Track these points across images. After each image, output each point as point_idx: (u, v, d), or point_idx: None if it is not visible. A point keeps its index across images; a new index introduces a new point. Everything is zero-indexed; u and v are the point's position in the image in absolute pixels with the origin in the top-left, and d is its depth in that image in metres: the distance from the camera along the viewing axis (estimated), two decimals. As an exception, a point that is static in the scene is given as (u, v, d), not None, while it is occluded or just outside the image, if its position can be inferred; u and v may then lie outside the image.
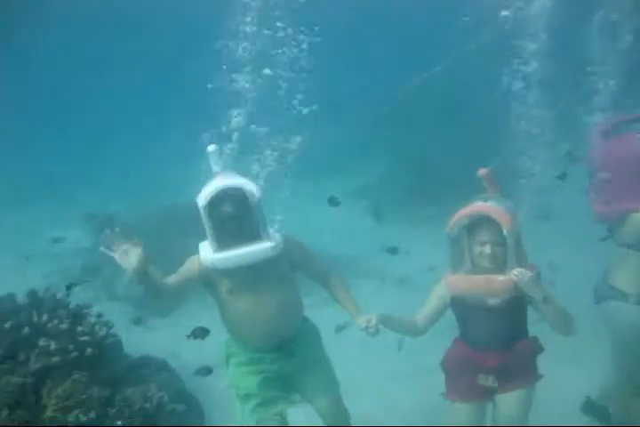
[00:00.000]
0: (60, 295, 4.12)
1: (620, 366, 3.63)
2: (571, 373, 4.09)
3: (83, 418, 3.20)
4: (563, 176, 4.05)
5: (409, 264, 6.00)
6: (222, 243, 2.82)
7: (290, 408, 3.08)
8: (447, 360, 3.14)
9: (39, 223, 8.55)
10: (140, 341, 5.02)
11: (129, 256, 2.60)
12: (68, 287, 3.52)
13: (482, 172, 2.87)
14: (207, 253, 2.85)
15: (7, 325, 3.68)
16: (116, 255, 2.61)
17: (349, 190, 9.48)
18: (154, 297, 2.85)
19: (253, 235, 2.83)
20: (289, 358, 3.02)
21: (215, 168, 2.95)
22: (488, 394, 3.01)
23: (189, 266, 2.93)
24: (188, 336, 3.24)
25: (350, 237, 7.65)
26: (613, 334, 3.65)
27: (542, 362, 3.05)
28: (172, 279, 2.84)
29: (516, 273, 2.70)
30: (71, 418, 3.19)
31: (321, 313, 3.33)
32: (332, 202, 3.17)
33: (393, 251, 3.55)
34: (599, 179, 3.60)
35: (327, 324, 3.26)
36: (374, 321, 2.75)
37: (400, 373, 4.68)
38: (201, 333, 3.26)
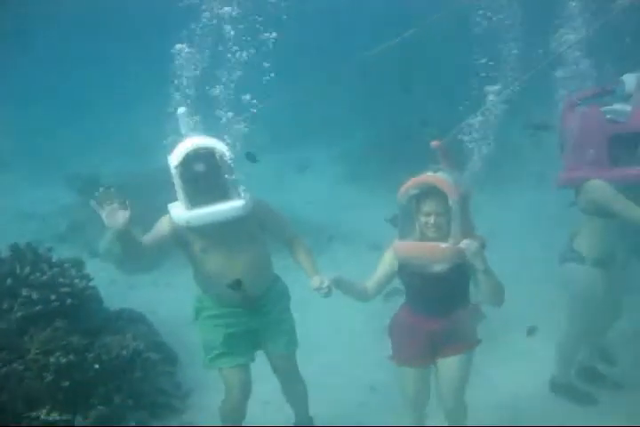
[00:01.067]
0: (41, 250, 4.36)
1: (574, 324, 3.92)
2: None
3: (62, 360, 3.47)
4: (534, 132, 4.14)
5: (385, 231, 6.27)
6: (194, 202, 2.94)
7: (251, 362, 3.26)
8: (393, 325, 3.25)
9: (21, 182, 8.66)
10: (120, 298, 5.30)
11: (115, 216, 2.71)
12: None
13: (435, 144, 2.95)
14: (179, 211, 2.96)
15: (-10, 275, 3.92)
16: (104, 214, 2.71)
17: (333, 156, 9.65)
18: (131, 256, 3.00)
19: (224, 194, 2.96)
20: (256, 314, 3.20)
21: (184, 130, 3.06)
22: (430, 358, 3.18)
23: (161, 227, 3.04)
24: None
25: (330, 203, 7.87)
26: (570, 294, 3.91)
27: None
28: (145, 240, 2.96)
29: (465, 242, 2.81)
30: (52, 359, 3.46)
31: (296, 275, 3.45)
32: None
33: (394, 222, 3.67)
34: (564, 147, 3.80)
35: (300, 286, 3.37)
36: (326, 283, 2.86)
37: (359, 332, 4.96)
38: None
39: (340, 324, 5.11)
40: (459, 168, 3.04)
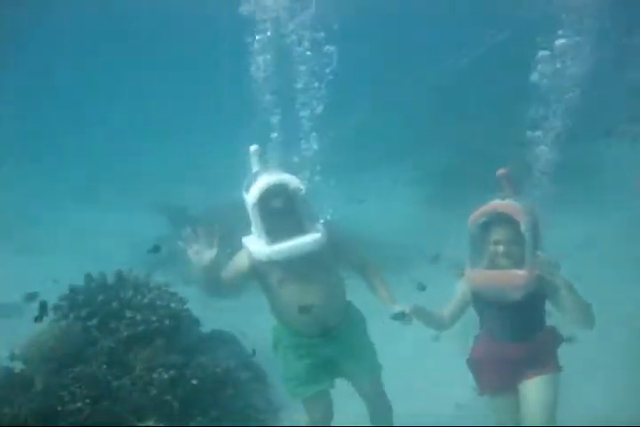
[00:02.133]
0: (141, 276, 4.82)
1: None
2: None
3: (164, 376, 3.82)
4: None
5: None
6: (272, 236, 2.98)
7: (331, 389, 3.31)
8: (473, 358, 3.26)
9: (111, 213, 9.45)
10: (212, 320, 5.67)
11: (202, 254, 2.86)
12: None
13: (500, 171, 2.98)
14: (259, 246, 3.02)
15: (100, 298, 4.39)
16: (190, 252, 2.86)
17: (407, 179, 9.75)
18: (211, 289, 3.09)
19: (300, 228, 3.01)
20: (334, 343, 3.21)
21: (255, 168, 3.12)
22: (515, 383, 3.10)
23: (239, 261, 3.12)
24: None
25: (409, 226, 7.95)
26: None
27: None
28: (224, 274, 3.04)
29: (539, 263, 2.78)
30: (155, 375, 3.81)
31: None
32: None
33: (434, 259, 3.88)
34: None
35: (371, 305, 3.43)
36: (408, 311, 2.88)
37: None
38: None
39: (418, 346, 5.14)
40: (523, 194, 3.02)
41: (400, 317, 2.89)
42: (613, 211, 7.29)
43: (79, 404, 3.45)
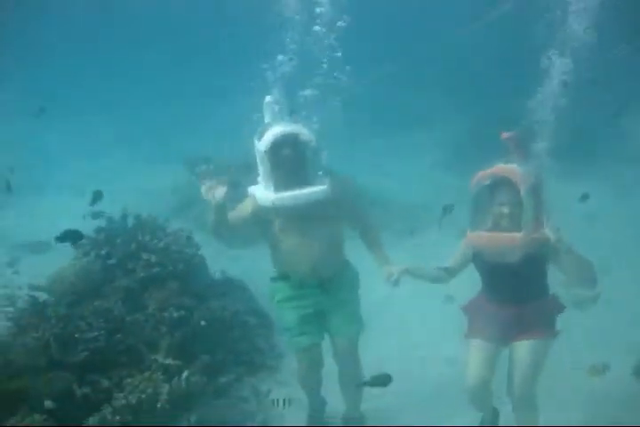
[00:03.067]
0: (159, 221, 5.08)
1: None
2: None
3: (175, 315, 4.12)
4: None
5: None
6: (279, 185, 3.15)
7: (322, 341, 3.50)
8: (469, 306, 3.43)
9: (140, 162, 9.81)
10: (224, 268, 5.94)
11: (213, 191, 3.04)
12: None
13: (505, 135, 3.02)
14: (265, 193, 3.17)
15: (118, 240, 4.67)
16: (203, 188, 3.05)
17: (432, 142, 9.77)
18: (220, 230, 3.25)
19: (306, 178, 3.16)
20: (326, 296, 3.40)
21: (267, 119, 3.23)
22: (501, 340, 3.24)
23: (244, 207, 3.31)
24: None
25: (424, 187, 8.04)
26: None
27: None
28: (229, 217, 3.22)
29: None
30: (166, 314, 4.11)
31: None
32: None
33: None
34: None
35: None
36: (395, 275, 3.10)
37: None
38: None
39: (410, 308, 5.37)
40: (532, 159, 3.03)
41: (389, 279, 3.11)
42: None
43: (95, 333, 3.77)
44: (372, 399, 3.91)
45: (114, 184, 8.39)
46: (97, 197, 4.76)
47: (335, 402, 3.84)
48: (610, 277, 4.62)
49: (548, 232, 2.92)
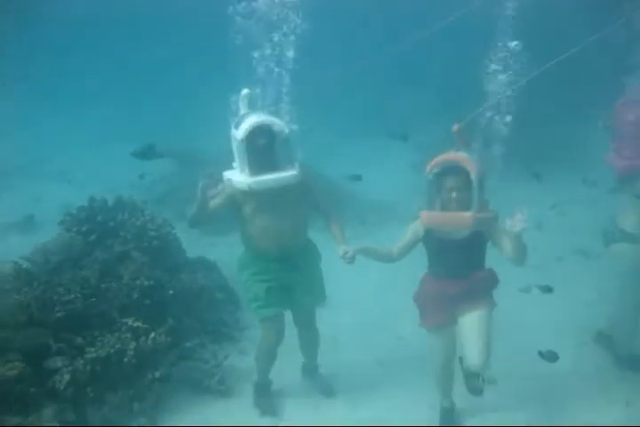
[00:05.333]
0: (138, 203, 5.59)
1: (625, 297, 4.39)
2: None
3: (145, 283, 4.63)
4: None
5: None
6: (254, 170, 3.58)
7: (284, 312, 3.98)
8: (418, 294, 3.84)
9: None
10: (200, 252, 6.45)
11: (208, 189, 3.50)
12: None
13: (454, 127, 3.52)
14: (241, 177, 3.60)
15: (99, 218, 5.19)
16: (202, 184, 3.45)
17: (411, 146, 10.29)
18: (196, 219, 3.68)
19: (279, 164, 3.62)
20: (292, 270, 3.87)
21: (242, 110, 3.64)
22: (455, 318, 3.71)
23: (220, 195, 3.66)
24: None
25: (397, 188, 8.57)
26: (623, 271, 4.40)
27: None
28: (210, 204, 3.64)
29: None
30: (138, 282, 4.63)
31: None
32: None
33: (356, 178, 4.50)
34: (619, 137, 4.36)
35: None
36: (351, 253, 3.49)
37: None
38: None
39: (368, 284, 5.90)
40: (472, 149, 3.55)
41: (344, 256, 3.52)
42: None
43: (72, 296, 4.28)
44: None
45: (104, 173, 9.00)
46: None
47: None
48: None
49: (514, 221, 3.23)
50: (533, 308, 5.24)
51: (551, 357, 3.90)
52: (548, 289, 4.30)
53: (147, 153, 4.52)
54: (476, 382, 3.66)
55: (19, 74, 12.81)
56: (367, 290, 5.88)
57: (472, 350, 3.58)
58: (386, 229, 7.12)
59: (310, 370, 4.50)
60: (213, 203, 3.68)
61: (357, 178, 4.57)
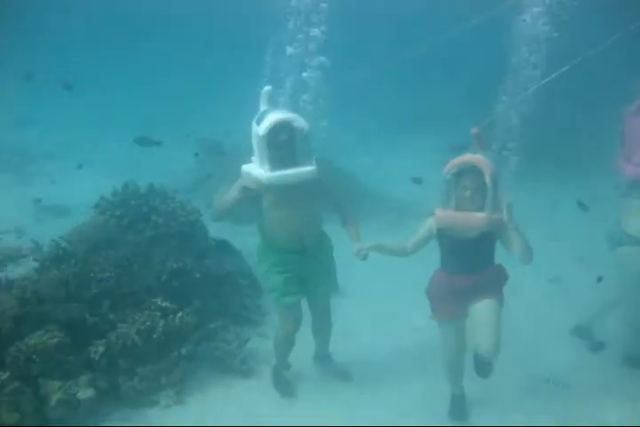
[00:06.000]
0: (169, 191, 5.89)
1: (632, 299, 4.56)
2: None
3: (174, 266, 4.92)
4: None
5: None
6: (274, 164, 3.73)
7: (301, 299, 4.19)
8: (430, 288, 4.02)
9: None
10: (227, 239, 6.73)
11: (244, 190, 3.73)
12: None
13: (473, 131, 3.71)
14: (261, 172, 3.74)
15: (132, 202, 5.49)
16: (241, 185, 3.75)
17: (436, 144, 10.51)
18: (222, 213, 3.99)
19: (297, 160, 3.77)
20: (307, 261, 4.05)
21: (263, 106, 3.79)
22: (465, 310, 3.90)
23: (236, 186, 3.85)
24: None
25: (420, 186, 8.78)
26: (626, 275, 4.57)
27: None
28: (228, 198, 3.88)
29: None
30: (167, 265, 4.91)
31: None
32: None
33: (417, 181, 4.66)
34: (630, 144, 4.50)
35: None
36: (364, 250, 3.73)
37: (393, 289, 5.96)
38: None
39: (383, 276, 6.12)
40: (490, 152, 3.79)
41: (358, 253, 3.76)
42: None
43: (106, 274, 4.58)
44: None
45: (137, 163, 9.35)
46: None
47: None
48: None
49: (502, 211, 3.52)
50: (537, 307, 5.51)
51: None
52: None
53: (144, 141, 5.87)
54: (486, 369, 3.87)
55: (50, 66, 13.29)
56: (382, 281, 6.11)
57: (483, 338, 3.77)
58: (405, 226, 7.35)
59: (323, 358, 4.71)
60: (233, 197, 3.85)
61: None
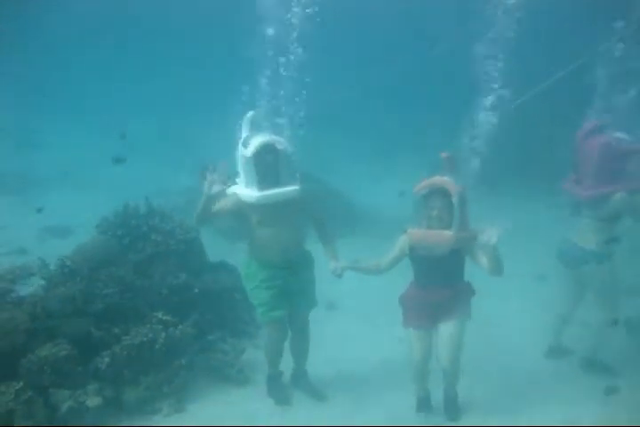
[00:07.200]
0: (167, 210, 6.24)
1: (606, 308, 4.91)
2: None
3: (174, 282, 5.26)
4: None
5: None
6: (260, 185, 3.99)
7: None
8: (403, 298, 4.35)
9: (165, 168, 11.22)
10: (222, 256, 7.07)
11: (212, 185, 3.94)
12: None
13: (443, 155, 4.04)
14: (249, 192, 4.00)
15: (133, 222, 5.84)
16: (206, 182, 3.92)
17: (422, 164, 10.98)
18: (201, 215, 4.13)
19: (282, 179, 4.05)
20: (292, 276, 4.31)
21: (245, 131, 4.06)
22: (433, 323, 4.20)
23: (225, 202, 4.14)
24: None
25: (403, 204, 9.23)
26: (597, 288, 4.93)
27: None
28: (213, 208, 4.10)
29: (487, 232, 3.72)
30: (167, 280, 5.25)
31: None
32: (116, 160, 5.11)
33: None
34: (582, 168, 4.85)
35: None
36: (339, 269, 4.12)
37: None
38: None
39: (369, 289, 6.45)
40: (459, 175, 4.07)
41: (333, 271, 4.16)
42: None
43: (110, 290, 4.92)
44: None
45: (132, 184, 9.72)
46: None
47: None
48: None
49: (486, 235, 3.70)
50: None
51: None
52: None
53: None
54: (453, 405, 4.45)
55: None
56: (369, 295, 6.47)
57: (445, 354, 4.21)
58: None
59: (300, 375, 4.88)
60: (219, 205, 4.12)
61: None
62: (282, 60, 4.42)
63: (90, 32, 16.96)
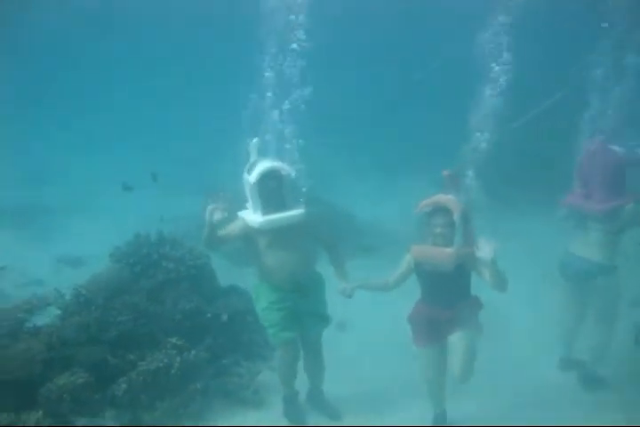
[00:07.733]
0: (178, 237, 6.39)
1: (614, 319, 4.97)
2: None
3: (187, 307, 5.36)
4: None
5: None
6: (265, 209, 4.11)
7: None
8: (412, 317, 4.40)
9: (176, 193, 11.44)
10: (232, 280, 7.18)
11: (214, 213, 3.96)
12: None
13: (445, 173, 4.15)
14: (254, 217, 4.11)
15: (144, 251, 5.99)
16: (209, 208, 3.95)
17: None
18: (208, 241, 4.18)
19: (287, 204, 4.16)
20: (302, 298, 4.39)
21: (252, 158, 4.19)
22: (443, 339, 4.21)
23: (233, 227, 4.25)
24: None
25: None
26: (606, 299, 4.97)
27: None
28: (220, 234, 4.18)
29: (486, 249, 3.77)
30: (180, 306, 5.35)
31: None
32: (125, 187, 5.68)
33: None
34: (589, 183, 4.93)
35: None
36: (349, 291, 4.20)
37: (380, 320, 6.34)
38: None
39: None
40: (461, 192, 4.17)
41: (342, 292, 4.25)
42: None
43: (124, 318, 5.03)
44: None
45: (139, 212, 9.91)
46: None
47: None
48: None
49: (482, 251, 3.78)
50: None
51: None
52: None
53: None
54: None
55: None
56: (380, 313, 6.48)
57: (458, 366, 4.18)
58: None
59: (316, 395, 4.93)
60: (226, 231, 4.21)
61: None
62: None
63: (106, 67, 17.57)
